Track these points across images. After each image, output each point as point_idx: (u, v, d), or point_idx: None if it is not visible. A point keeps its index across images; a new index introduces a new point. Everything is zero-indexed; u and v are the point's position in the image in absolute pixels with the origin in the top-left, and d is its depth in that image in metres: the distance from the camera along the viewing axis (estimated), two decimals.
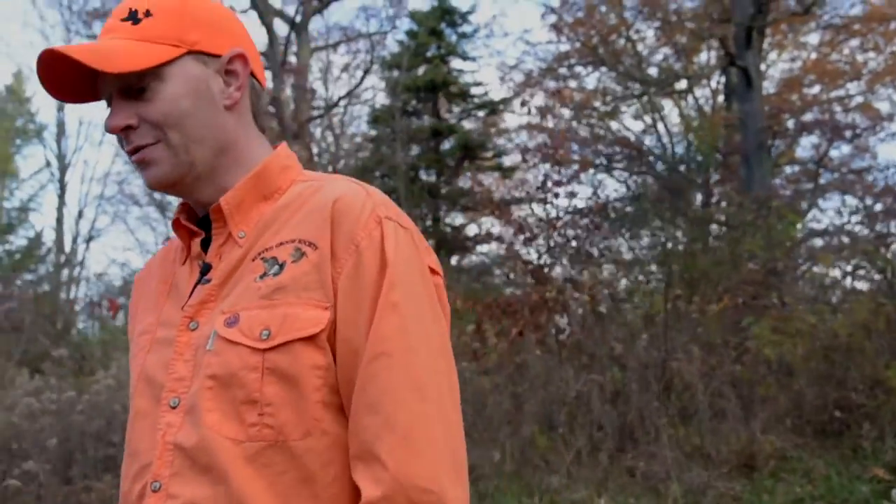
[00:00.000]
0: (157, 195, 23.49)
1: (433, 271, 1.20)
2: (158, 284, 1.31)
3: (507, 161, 18.78)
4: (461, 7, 18.68)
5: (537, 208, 6.22)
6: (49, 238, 31.22)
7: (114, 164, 30.10)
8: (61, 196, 24.90)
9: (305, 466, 1.09)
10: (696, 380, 4.95)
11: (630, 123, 24.30)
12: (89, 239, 25.34)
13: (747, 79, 14.74)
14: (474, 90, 18.37)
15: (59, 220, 24.86)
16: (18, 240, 29.71)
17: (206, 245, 1.24)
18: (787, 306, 6.02)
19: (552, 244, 5.90)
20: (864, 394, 5.10)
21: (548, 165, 18.30)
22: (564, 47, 20.46)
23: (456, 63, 18.66)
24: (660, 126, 21.68)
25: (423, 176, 17.94)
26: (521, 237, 6.14)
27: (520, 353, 5.33)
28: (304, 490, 1.09)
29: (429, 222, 17.70)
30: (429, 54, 18.20)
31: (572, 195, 6.46)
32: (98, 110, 47.10)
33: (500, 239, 5.92)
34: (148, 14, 1.18)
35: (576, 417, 4.77)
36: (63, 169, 25.23)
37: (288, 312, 1.11)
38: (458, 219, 18.79)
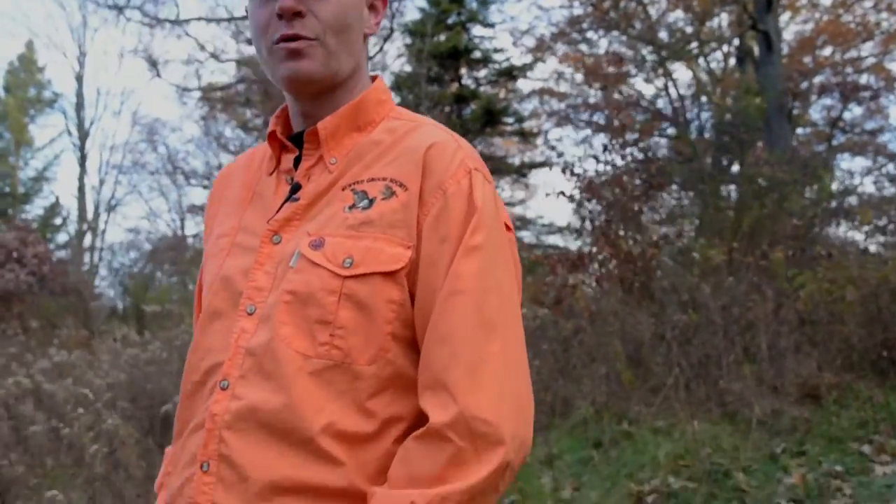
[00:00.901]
0: (169, 166, 23.89)
1: (508, 227, 1.27)
2: (241, 190, 1.37)
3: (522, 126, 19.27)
4: None
5: (601, 168, 6.71)
6: (67, 206, 31.66)
7: (131, 135, 30.44)
8: (82, 165, 25.26)
9: (365, 390, 1.16)
10: (759, 322, 5.50)
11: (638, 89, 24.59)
12: (110, 208, 25.77)
13: (768, 43, 15.14)
14: (496, 56, 18.74)
15: (81, 189, 25.27)
16: (35, 209, 30.09)
17: (296, 162, 1.30)
18: (833, 257, 6.55)
19: (615, 201, 6.42)
20: None
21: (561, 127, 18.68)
22: (577, 11, 20.79)
23: (476, 30, 19.00)
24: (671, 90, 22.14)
25: None
26: (586, 195, 6.66)
27: (598, 300, 5.88)
28: (361, 408, 1.16)
29: None
30: (450, 21, 18.53)
31: (633, 157, 6.99)
32: (113, 78, 46.87)
33: (570, 197, 6.39)
34: None
35: (654, 356, 5.32)
36: (83, 138, 25.57)
37: (372, 246, 1.17)
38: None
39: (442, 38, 18.29)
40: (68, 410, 5.16)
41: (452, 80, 18.70)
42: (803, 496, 3.79)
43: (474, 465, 1.08)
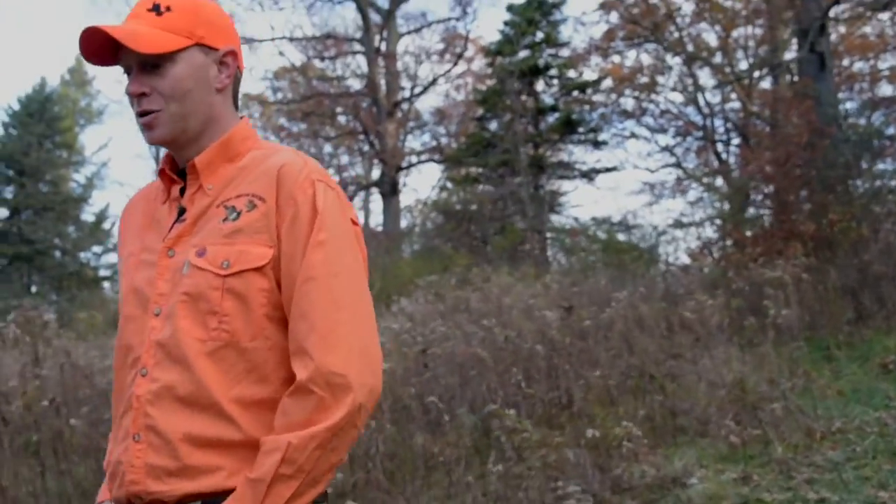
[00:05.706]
0: None
1: (354, 222, 1.67)
2: (142, 217, 1.76)
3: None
4: None
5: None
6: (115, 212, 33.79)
7: None
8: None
9: (251, 360, 1.57)
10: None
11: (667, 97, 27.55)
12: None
13: (822, 62, 18.43)
14: (569, 73, 21.94)
15: None
16: (86, 215, 32.21)
17: (182, 191, 1.69)
18: None
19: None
20: None
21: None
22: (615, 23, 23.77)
23: (550, 49, 22.18)
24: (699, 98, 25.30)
25: (527, 149, 21.47)
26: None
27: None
28: (250, 376, 1.57)
29: (532, 190, 21.26)
30: (526, 42, 21.69)
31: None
32: None
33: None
34: (168, 9, 1.63)
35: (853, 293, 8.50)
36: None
37: (243, 249, 1.57)
38: (561, 186, 22.44)
39: (521, 56, 21.44)
40: None
41: (530, 94, 21.82)
42: None
43: (334, 409, 1.48)
